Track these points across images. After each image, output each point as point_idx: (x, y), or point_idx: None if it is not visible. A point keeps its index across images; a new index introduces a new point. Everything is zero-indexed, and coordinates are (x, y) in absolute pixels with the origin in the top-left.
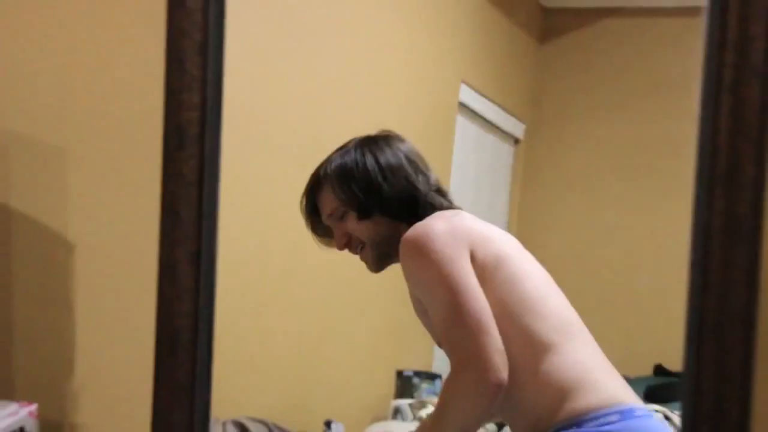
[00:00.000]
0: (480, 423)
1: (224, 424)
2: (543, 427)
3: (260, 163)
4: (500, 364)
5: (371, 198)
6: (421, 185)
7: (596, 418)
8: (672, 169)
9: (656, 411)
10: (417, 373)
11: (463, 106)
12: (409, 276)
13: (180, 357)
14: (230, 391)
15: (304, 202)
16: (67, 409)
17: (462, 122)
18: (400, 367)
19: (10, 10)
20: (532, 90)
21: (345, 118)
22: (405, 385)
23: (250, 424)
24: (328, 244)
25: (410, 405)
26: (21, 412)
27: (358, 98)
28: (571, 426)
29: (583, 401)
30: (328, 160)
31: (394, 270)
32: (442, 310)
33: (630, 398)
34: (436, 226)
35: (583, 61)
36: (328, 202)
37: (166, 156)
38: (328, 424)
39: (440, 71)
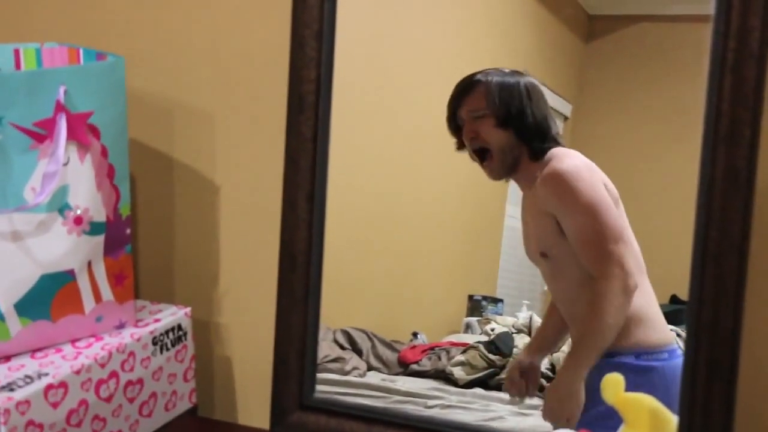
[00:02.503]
0: (623, 319)
1: (334, 332)
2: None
3: (362, 125)
4: (636, 271)
5: (514, 113)
6: (552, 122)
7: (652, 353)
8: (686, 137)
9: (671, 329)
10: (484, 297)
11: None
12: (560, 203)
13: (298, 274)
14: (339, 306)
15: (451, 98)
16: (212, 311)
17: None
18: (471, 292)
19: (178, 8)
20: (578, 78)
21: (430, 92)
22: (474, 306)
23: (354, 333)
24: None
25: (478, 321)
26: (179, 312)
27: (441, 80)
28: (631, 354)
29: (645, 335)
30: (483, 72)
31: (468, 215)
32: (592, 228)
33: (674, 338)
34: (578, 160)
35: (621, 57)
36: (475, 101)
37: (290, 118)
38: (414, 334)
39: (508, 63)
